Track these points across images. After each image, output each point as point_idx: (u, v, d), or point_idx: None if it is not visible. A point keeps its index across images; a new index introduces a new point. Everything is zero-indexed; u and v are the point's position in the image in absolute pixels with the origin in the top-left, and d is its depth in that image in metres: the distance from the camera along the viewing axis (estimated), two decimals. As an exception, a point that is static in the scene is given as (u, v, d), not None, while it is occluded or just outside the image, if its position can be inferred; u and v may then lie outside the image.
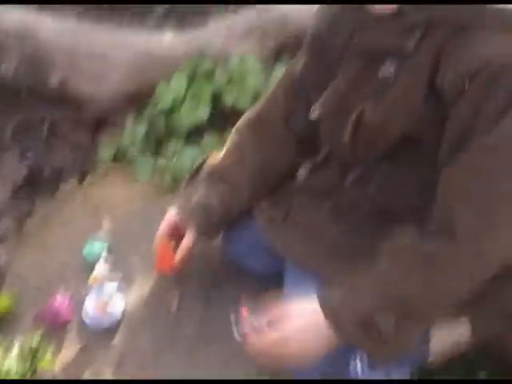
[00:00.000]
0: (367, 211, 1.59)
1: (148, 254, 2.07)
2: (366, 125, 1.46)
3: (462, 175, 1.37)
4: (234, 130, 1.89)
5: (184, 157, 2.34)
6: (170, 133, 2.43)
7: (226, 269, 2.00)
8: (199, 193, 1.90)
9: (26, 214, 2.46)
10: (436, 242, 1.43)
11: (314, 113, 1.60)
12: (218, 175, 1.87)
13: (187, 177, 1.96)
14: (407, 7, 1.32)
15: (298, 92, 1.76)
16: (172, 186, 2.28)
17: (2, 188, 2.56)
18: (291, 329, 1.56)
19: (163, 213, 2.15)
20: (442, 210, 1.43)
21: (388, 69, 1.39)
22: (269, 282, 1.78)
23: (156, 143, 2.42)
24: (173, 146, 2.37)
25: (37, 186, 2.57)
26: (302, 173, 1.76)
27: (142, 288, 2.07)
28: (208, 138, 2.36)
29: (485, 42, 1.27)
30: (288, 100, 1.80)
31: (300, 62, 1.74)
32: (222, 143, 1.92)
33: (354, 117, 1.48)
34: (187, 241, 1.92)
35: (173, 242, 1.94)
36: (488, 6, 1.22)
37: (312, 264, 1.61)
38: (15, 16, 2.66)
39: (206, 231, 1.92)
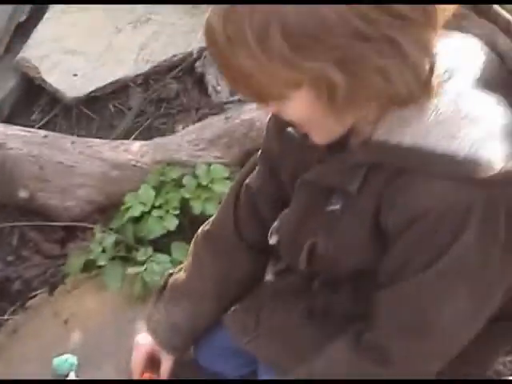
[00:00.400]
0: (339, 315, 1.60)
1: (117, 368, 2.07)
2: (319, 256, 1.48)
3: (395, 305, 1.41)
4: (192, 241, 1.90)
5: (154, 264, 2.33)
6: (139, 241, 2.43)
7: (199, 375, 1.98)
8: (165, 312, 1.89)
9: None
10: (370, 361, 1.47)
11: (272, 238, 1.62)
12: (181, 291, 1.87)
13: (155, 293, 1.96)
14: (354, 144, 1.33)
15: (251, 205, 1.77)
16: (143, 294, 2.27)
17: None
18: None
19: (133, 323, 2.17)
20: (377, 336, 1.47)
21: (335, 205, 1.40)
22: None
23: (125, 252, 2.42)
24: (142, 254, 2.37)
25: (6, 297, 2.54)
26: (268, 278, 1.76)
27: None
28: (177, 246, 2.36)
29: (426, 189, 1.28)
30: (239, 212, 1.80)
31: (254, 175, 1.76)
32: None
33: (306, 249, 1.50)
34: (166, 368, 1.91)
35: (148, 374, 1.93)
36: (432, 150, 1.24)
37: (287, 365, 1.60)
38: None
39: (178, 350, 1.91)
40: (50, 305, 2.35)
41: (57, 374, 2.11)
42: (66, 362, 2.11)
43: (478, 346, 1.47)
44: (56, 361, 2.12)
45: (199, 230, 1.91)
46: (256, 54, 1.16)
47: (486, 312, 1.42)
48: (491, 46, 1.35)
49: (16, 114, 2.98)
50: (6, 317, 2.46)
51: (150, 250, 2.38)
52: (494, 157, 1.23)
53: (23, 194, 2.58)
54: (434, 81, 1.22)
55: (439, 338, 1.43)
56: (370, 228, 1.38)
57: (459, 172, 1.24)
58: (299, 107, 1.25)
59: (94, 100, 2.98)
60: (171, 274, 1.93)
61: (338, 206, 1.40)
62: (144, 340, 1.94)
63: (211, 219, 1.89)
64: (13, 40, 3.27)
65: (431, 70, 1.21)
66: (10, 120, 2.86)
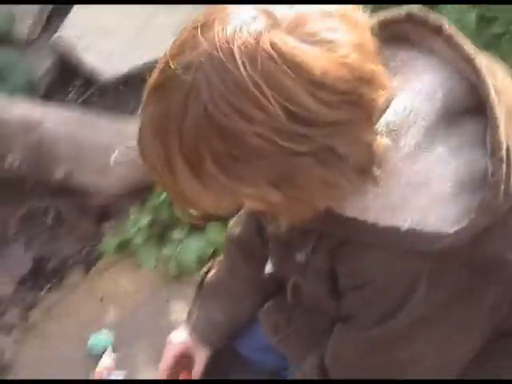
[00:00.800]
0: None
1: (152, 346, 2.10)
2: (302, 292, 1.51)
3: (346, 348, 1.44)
4: (225, 237, 1.92)
5: (189, 244, 2.36)
6: (174, 221, 2.44)
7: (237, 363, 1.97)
8: (204, 309, 1.91)
9: (30, 305, 2.46)
10: None
11: (267, 269, 1.63)
12: (218, 289, 1.88)
13: (195, 290, 1.95)
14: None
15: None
16: (178, 273, 2.30)
17: (7, 280, 2.58)
18: None
19: (169, 302, 2.21)
20: (337, 369, 1.50)
21: (300, 258, 1.40)
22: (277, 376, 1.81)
23: (161, 232, 2.44)
24: (177, 234, 2.38)
25: (42, 276, 2.58)
26: None
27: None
28: (213, 226, 2.37)
29: (371, 259, 1.27)
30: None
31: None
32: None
33: (290, 284, 1.53)
34: (199, 366, 1.92)
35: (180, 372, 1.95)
36: (373, 223, 1.22)
37: None
38: (20, 108, 2.69)
39: (214, 345, 1.92)
40: (85, 283, 2.39)
41: (92, 351, 2.15)
42: (101, 340, 2.15)
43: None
44: (92, 338, 2.16)
45: (228, 231, 1.91)
46: (194, 184, 1.14)
47: (458, 362, 1.42)
48: (460, 74, 1.28)
49: (52, 94, 2.99)
50: (42, 293, 2.50)
51: (185, 230, 2.39)
52: (439, 224, 1.20)
53: (59, 173, 2.60)
54: (377, 165, 1.16)
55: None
56: (329, 283, 1.39)
57: (402, 244, 1.22)
58: (252, 205, 1.27)
59: (130, 80, 2.96)
60: (208, 271, 1.93)
61: (302, 259, 1.41)
62: (177, 338, 1.95)
63: (236, 220, 1.88)
64: (49, 20, 3.28)
65: (372, 158, 1.15)
66: (46, 99, 2.88)
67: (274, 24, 1.04)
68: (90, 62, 3.02)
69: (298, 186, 1.13)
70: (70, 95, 3.03)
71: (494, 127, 1.18)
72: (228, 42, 1.04)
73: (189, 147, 1.09)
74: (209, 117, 1.05)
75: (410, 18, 1.28)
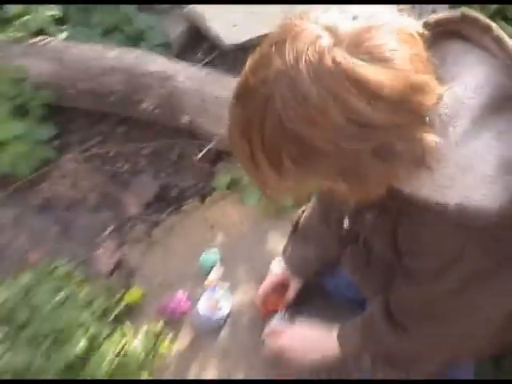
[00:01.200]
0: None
1: (252, 267, 2.14)
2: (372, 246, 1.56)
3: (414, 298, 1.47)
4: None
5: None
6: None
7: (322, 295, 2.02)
8: (298, 247, 1.95)
9: (154, 224, 2.49)
10: (395, 327, 1.54)
11: (345, 225, 1.63)
12: (312, 233, 1.89)
13: (292, 228, 1.98)
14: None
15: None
16: (277, 210, 2.28)
17: (137, 202, 2.62)
18: (305, 333, 1.82)
19: (267, 233, 2.23)
20: (400, 313, 1.54)
21: (368, 220, 1.41)
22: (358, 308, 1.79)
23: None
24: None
25: (164, 202, 2.61)
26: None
27: (245, 295, 2.09)
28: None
29: (425, 230, 1.28)
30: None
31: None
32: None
33: (361, 239, 1.60)
34: (292, 291, 1.99)
35: (276, 295, 2.00)
36: (425, 200, 1.22)
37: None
38: (157, 63, 2.70)
39: (306, 278, 1.97)
40: (200, 211, 2.40)
41: (203, 267, 2.16)
42: (210, 258, 2.17)
43: None
44: (203, 256, 2.18)
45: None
46: (274, 176, 1.16)
47: (495, 316, 1.42)
48: (506, 68, 1.25)
49: (183, 54, 2.99)
50: (163, 216, 2.52)
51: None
52: (483, 203, 1.18)
53: (185, 119, 2.60)
54: (429, 155, 1.17)
55: (453, 331, 1.47)
56: (391, 242, 1.40)
57: (451, 219, 1.20)
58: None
59: (248, 48, 2.88)
60: (304, 211, 1.94)
61: (370, 221, 1.42)
62: (277, 267, 2.01)
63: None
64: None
65: (425, 150, 1.15)
66: (178, 58, 2.88)
67: (336, 42, 1.04)
68: (216, 30, 3.04)
69: (361, 178, 1.15)
70: (197, 56, 3.03)
71: None
72: (296, 61, 1.05)
73: (269, 148, 1.12)
74: (282, 125, 1.08)
75: (464, 17, 1.26)
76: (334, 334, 1.74)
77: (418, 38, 1.12)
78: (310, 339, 1.82)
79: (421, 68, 1.10)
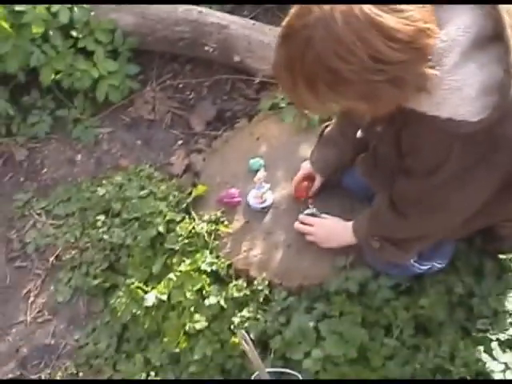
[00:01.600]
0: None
1: (288, 169, 2.13)
2: (379, 153, 1.54)
3: (414, 191, 1.46)
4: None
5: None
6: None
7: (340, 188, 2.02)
8: (322, 151, 1.95)
9: (213, 138, 2.54)
10: (397, 214, 1.55)
11: (359, 135, 1.65)
12: (333, 142, 1.90)
13: (318, 137, 1.98)
14: None
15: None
16: (308, 127, 2.26)
17: (201, 121, 2.66)
18: (329, 225, 1.88)
19: (299, 144, 2.21)
20: (400, 201, 1.54)
21: (379, 129, 1.43)
22: (366, 199, 1.82)
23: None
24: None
25: (221, 121, 2.64)
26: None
27: (284, 190, 2.10)
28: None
29: (423, 133, 1.30)
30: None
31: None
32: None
33: (371, 148, 1.60)
34: (317, 183, 2.00)
35: (306, 183, 2.01)
36: (424, 113, 1.24)
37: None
38: (215, 16, 2.69)
39: (327, 176, 1.98)
40: (248, 128, 2.39)
41: (251, 169, 2.17)
42: (257, 162, 2.18)
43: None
44: (251, 161, 2.19)
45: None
46: (310, 96, 1.20)
47: (477, 202, 1.43)
48: (489, 15, 1.22)
49: (235, 9, 2.93)
50: (220, 132, 2.57)
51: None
52: (467, 116, 1.20)
53: (237, 58, 2.61)
54: (429, 82, 1.19)
55: (440, 216, 1.48)
56: (396, 148, 1.41)
57: (442, 127, 1.23)
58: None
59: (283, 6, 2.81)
60: (326, 126, 1.94)
61: (380, 130, 1.43)
62: (307, 165, 2.01)
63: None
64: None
65: (427, 79, 1.18)
66: (231, 12, 2.85)
67: None
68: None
69: (377, 99, 1.19)
70: (245, 11, 2.96)
71: (508, 52, 1.16)
72: (332, 10, 1.09)
73: (308, 77, 1.16)
74: (320, 59, 1.12)
75: None
76: (350, 225, 1.77)
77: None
78: (331, 231, 1.87)
79: (427, 17, 1.12)
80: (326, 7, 1.09)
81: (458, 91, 1.20)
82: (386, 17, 1.08)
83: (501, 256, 1.86)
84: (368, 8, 1.07)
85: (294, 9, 1.16)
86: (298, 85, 1.18)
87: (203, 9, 2.73)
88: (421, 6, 1.12)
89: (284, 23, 1.18)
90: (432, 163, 1.33)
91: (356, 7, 1.07)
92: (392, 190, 1.55)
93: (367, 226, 1.70)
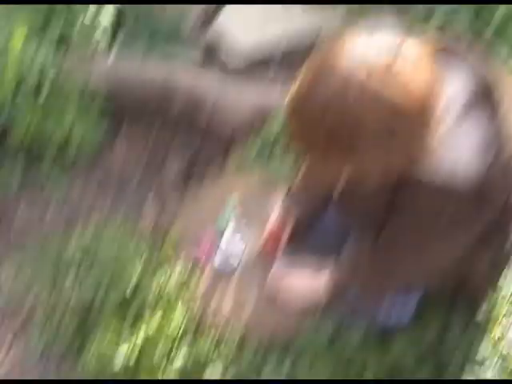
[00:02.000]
0: None
1: (259, 224, 2.10)
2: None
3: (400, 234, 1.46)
4: None
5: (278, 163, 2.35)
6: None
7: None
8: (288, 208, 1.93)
9: (183, 194, 2.51)
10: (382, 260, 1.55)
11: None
12: (300, 199, 1.91)
13: (286, 192, 1.98)
14: None
15: None
16: (276, 182, 2.26)
17: (170, 179, 2.64)
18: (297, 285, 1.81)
19: (269, 200, 2.18)
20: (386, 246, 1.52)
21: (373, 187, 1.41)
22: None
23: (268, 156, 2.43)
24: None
25: (191, 178, 2.63)
26: None
27: (254, 245, 2.10)
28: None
29: (421, 191, 1.31)
30: None
31: None
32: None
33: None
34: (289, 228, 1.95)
35: (274, 237, 1.99)
36: (424, 171, 1.27)
37: None
38: (184, 73, 2.67)
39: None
40: (217, 185, 2.38)
41: (220, 227, 2.16)
42: (225, 219, 2.15)
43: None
44: (219, 219, 2.16)
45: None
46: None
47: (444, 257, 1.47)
48: (482, 79, 1.29)
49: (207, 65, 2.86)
50: (190, 189, 2.51)
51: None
52: (466, 172, 1.23)
53: (202, 122, 2.59)
54: (430, 145, 1.22)
55: (420, 262, 1.50)
56: (385, 204, 1.43)
57: (443, 183, 1.26)
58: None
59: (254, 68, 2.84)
60: (291, 186, 1.96)
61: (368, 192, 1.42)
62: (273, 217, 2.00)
63: None
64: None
65: (429, 142, 1.21)
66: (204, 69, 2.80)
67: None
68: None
69: (385, 162, 1.23)
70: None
71: (499, 112, 1.24)
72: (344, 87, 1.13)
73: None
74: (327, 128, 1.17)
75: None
76: (324, 277, 1.74)
77: (431, 61, 1.17)
78: (303, 285, 1.83)
79: (434, 89, 1.16)
80: (338, 83, 1.13)
81: (455, 150, 1.25)
82: (394, 91, 1.11)
83: (472, 304, 1.88)
84: (378, 85, 1.11)
85: (300, 78, 1.20)
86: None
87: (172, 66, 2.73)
88: (428, 76, 1.15)
89: (293, 92, 1.20)
90: (425, 219, 1.36)
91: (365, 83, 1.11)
92: (374, 236, 1.55)
93: (345, 275, 1.69)
